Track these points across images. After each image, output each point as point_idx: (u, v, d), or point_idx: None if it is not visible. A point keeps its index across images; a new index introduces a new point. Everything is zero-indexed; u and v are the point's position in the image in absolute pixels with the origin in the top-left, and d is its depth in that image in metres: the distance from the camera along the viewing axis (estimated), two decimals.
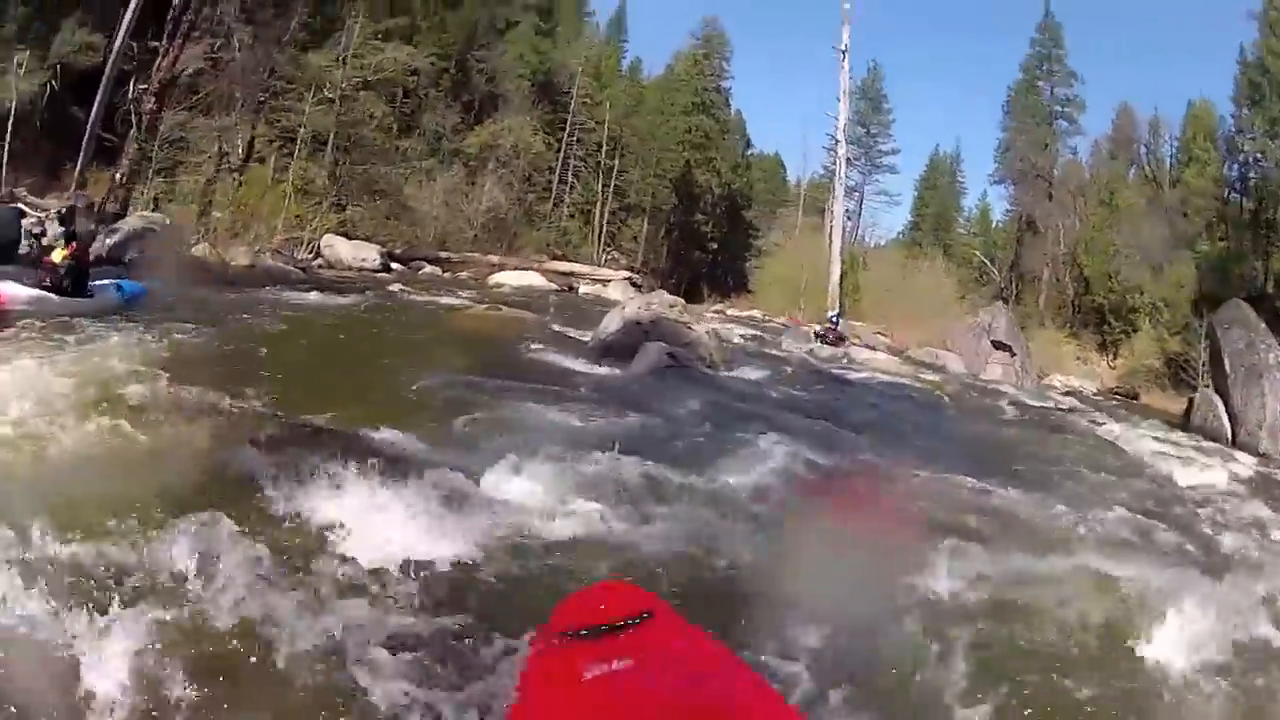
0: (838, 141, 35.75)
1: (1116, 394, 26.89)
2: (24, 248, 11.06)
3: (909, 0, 79.74)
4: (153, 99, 18.06)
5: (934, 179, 53.79)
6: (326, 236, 24.00)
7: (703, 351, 11.14)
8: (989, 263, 43.76)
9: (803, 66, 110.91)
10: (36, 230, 11.26)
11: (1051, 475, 7.63)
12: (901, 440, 8.46)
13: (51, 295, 8.15)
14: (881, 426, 9.22)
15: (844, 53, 33.02)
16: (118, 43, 17.57)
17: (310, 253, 23.27)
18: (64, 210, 8.94)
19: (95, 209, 14.74)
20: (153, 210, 16.21)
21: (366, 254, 23.99)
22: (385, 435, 4.97)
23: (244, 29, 23.24)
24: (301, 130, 24.79)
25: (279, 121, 24.54)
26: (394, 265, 25.35)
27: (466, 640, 2.90)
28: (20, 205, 11.48)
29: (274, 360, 7.01)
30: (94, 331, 6.89)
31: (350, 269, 22.56)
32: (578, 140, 42.96)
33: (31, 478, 3.75)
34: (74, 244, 8.61)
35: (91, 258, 8.84)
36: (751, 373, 11.94)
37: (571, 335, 12.76)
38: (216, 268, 14.49)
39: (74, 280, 8.38)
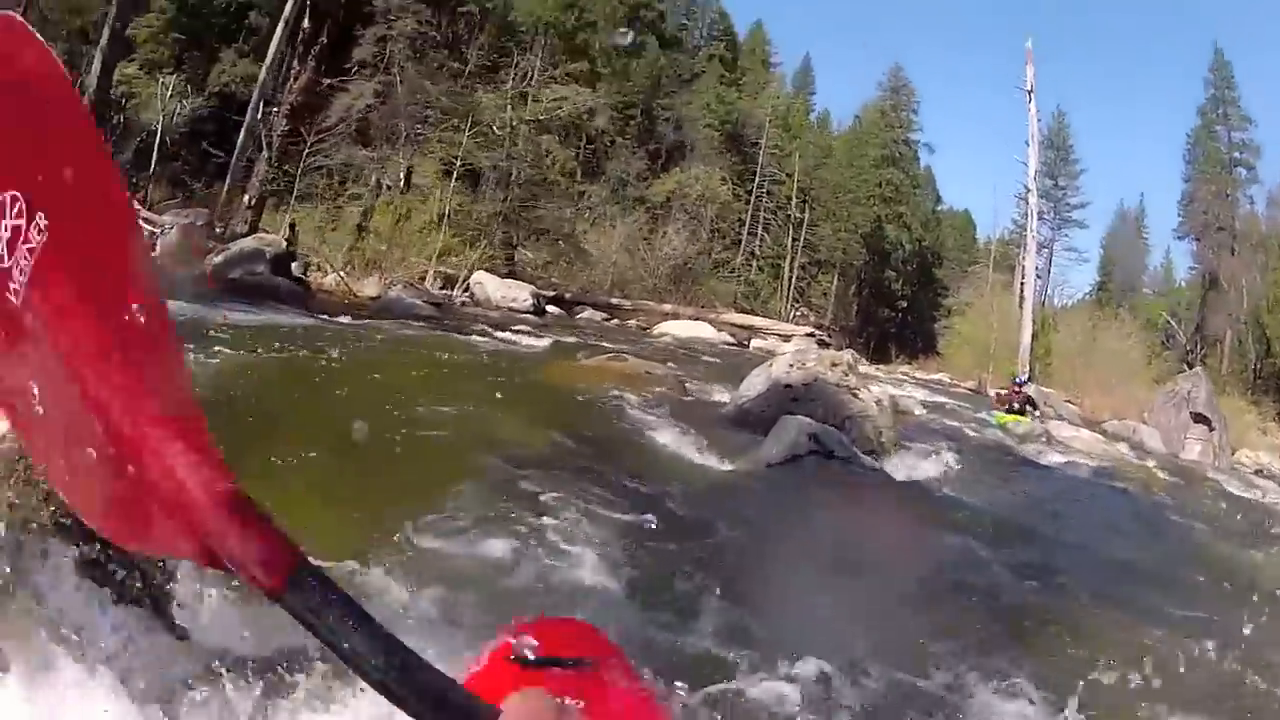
0: (1028, 190, 32.60)
1: None
2: None
3: (1087, 38, 73.80)
4: (284, 121, 17.82)
5: (1119, 235, 49.92)
6: (478, 274, 23.22)
7: (868, 429, 8.37)
8: (1175, 324, 40.63)
9: (992, 121, 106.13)
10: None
11: None
12: (1124, 584, 5.42)
13: None
14: (1098, 558, 6.20)
15: (1030, 93, 30.46)
16: (262, 73, 17.58)
17: (461, 289, 22.53)
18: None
19: (214, 228, 14.36)
20: (288, 235, 15.73)
21: (517, 294, 22.86)
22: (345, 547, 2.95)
23: (414, 66, 23.19)
24: (457, 164, 24.29)
25: (432, 153, 24.19)
26: (550, 308, 24.12)
27: None
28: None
29: (266, 414, 5.21)
30: None
31: (496, 308, 21.47)
32: (767, 192, 41.91)
33: None
34: None
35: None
36: (926, 463, 8.73)
37: (706, 398, 10.50)
38: (335, 296, 13.51)
39: None
